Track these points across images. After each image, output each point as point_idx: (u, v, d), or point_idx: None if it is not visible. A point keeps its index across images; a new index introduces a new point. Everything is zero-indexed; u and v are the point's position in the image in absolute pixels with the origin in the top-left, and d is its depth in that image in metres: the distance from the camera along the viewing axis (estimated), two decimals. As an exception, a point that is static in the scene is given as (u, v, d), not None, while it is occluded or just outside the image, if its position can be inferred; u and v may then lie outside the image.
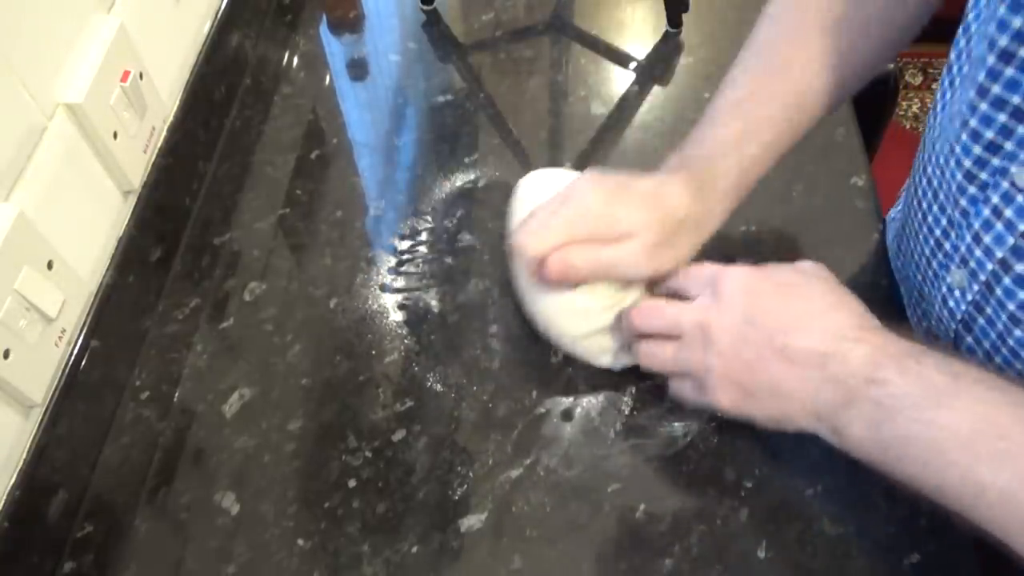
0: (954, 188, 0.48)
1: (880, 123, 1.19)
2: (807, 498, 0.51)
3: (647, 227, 0.50)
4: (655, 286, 0.54)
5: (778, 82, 0.54)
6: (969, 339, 0.51)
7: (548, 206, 0.52)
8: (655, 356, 0.50)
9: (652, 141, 0.71)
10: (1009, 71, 0.41)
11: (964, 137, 0.46)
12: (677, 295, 0.52)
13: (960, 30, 0.48)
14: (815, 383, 0.43)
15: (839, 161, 0.68)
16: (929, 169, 0.53)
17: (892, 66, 1.15)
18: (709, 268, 0.50)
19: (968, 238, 0.47)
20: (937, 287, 0.53)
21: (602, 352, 0.55)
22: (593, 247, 0.51)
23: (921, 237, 0.55)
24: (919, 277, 0.56)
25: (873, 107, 1.15)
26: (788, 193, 0.67)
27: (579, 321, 0.54)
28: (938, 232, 0.52)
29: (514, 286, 0.58)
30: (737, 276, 0.48)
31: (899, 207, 0.62)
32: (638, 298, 0.54)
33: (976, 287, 0.48)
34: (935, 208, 0.52)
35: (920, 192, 0.54)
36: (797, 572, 0.49)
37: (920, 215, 0.54)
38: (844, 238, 0.64)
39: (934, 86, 2.09)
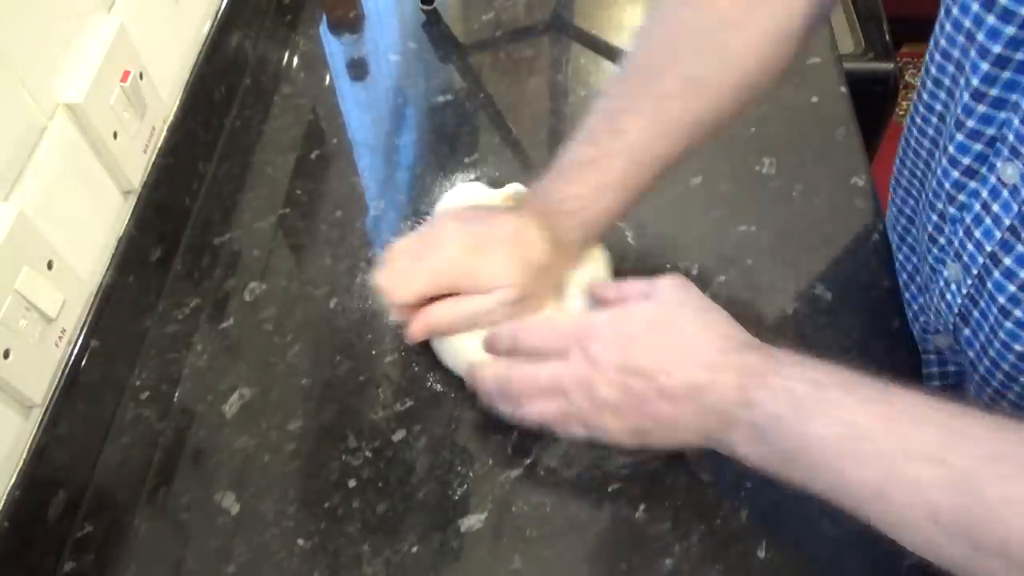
0: (948, 185, 0.49)
1: (880, 123, 1.19)
2: (807, 498, 0.51)
3: (508, 277, 0.52)
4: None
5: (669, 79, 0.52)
6: (967, 331, 0.51)
7: (413, 249, 0.54)
8: (543, 414, 0.50)
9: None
10: (1006, 74, 0.42)
11: (960, 137, 0.46)
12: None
13: (936, 31, 0.49)
14: (698, 414, 0.45)
15: (839, 161, 0.68)
16: (920, 164, 0.53)
17: (892, 66, 1.15)
18: (571, 325, 0.50)
19: (961, 232, 0.48)
20: (935, 281, 0.53)
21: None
22: (454, 302, 0.53)
23: (917, 231, 0.55)
24: (918, 270, 0.57)
25: (873, 107, 1.15)
26: (788, 193, 0.67)
27: (464, 355, 0.55)
28: (931, 228, 0.52)
29: None
30: (602, 330, 0.48)
31: (893, 201, 0.62)
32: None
33: (969, 280, 0.49)
34: (927, 204, 0.52)
35: (915, 189, 0.54)
36: (797, 572, 0.49)
37: (909, 208, 0.55)
38: (844, 238, 0.64)
39: (934, 86, 2.08)
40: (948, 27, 0.46)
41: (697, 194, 0.67)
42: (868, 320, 0.59)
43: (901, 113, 2.07)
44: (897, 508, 0.38)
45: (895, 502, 0.38)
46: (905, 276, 0.61)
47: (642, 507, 0.52)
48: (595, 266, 0.58)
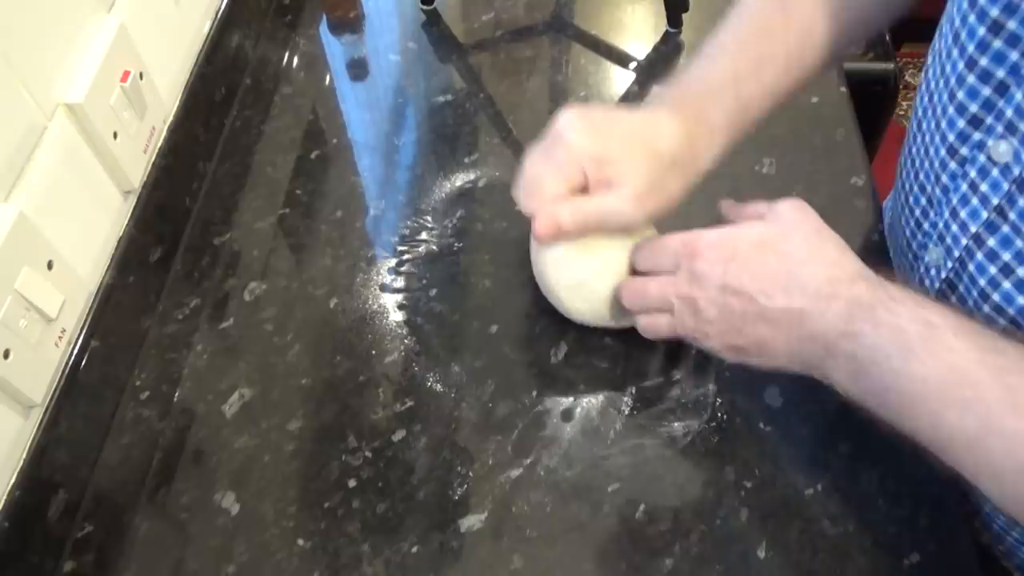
0: (936, 164, 0.49)
1: (880, 123, 1.19)
2: (807, 498, 0.51)
3: (635, 172, 0.49)
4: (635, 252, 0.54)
5: (777, 23, 0.53)
6: None
7: (539, 151, 0.52)
8: (655, 328, 0.52)
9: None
10: (997, 43, 0.42)
11: (951, 110, 0.46)
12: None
13: (944, 18, 0.49)
14: (797, 340, 0.45)
15: (839, 161, 0.68)
16: (914, 149, 0.53)
17: (892, 66, 1.15)
18: (681, 241, 0.50)
19: (946, 214, 0.48)
20: (916, 268, 0.53)
21: (584, 303, 0.56)
22: (581, 200, 0.50)
23: (903, 220, 0.55)
24: (904, 263, 0.57)
25: (873, 107, 1.15)
26: (788, 193, 0.66)
27: (562, 270, 0.55)
28: (918, 212, 0.52)
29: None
30: (711, 246, 0.48)
31: (890, 196, 0.62)
32: (622, 250, 0.54)
33: (950, 264, 0.49)
34: (916, 188, 0.53)
35: (904, 174, 0.55)
36: (797, 572, 0.49)
37: (904, 196, 0.55)
38: (844, 238, 0.63)
39: (934, 86, 2.08)
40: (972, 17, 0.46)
41: (697, 194, 0.67)
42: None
43: (901, 113, 2.07)
44: (990, 459, 0.37)
45: (990, 452, 0.37)
46: (897, 268, 0.61)
47: (642, 507, 0.52)
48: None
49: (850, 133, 0.70)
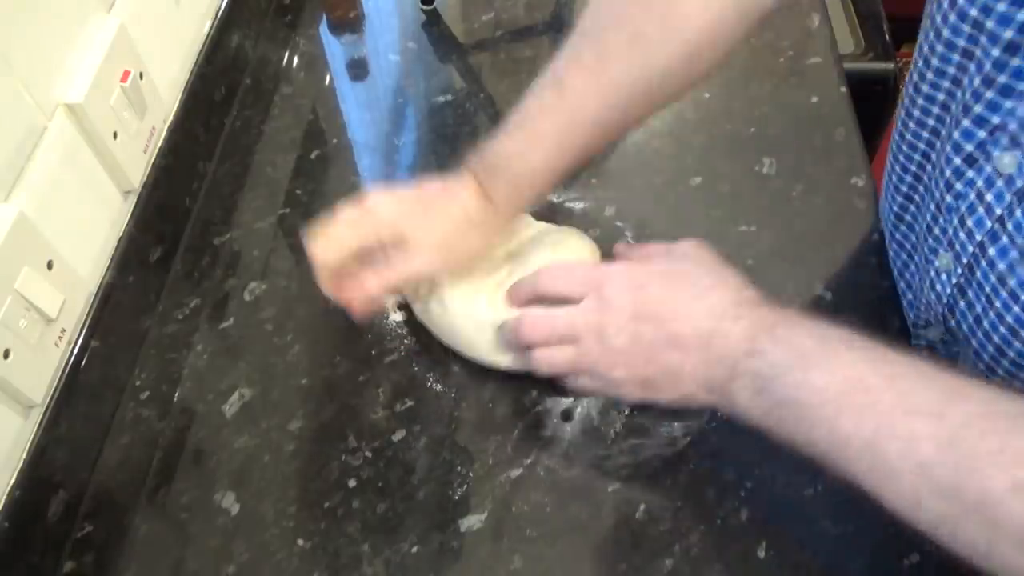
0: (948, 173, 0.49)
1: (880, 123, 1.19)
2: (807, 498, 0.51)
3: (430, 232, 0.52)
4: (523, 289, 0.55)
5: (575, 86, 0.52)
6: (952, 322, 0.52)
7: (345, 215, 0.53)
8: (554, 361, 0.51)
9: (651, 142, 0.71)
10: (1016, 61, 0.42)
11: (966, 123, 0.46)
12: (545, 300, 0.52)
13: (931, 23, 0.49)
14: (704, 364, 0.46)
15: (839, 161, 0.68)
16: (916, 157, 0.54)
17: (892, 66, 1.15)
18: (588, 270, 0.52)
19: (955, 221, 0.49)
20: (926, 271, 0.53)
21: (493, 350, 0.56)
22: (383, 268, 0.53)
23: (915, 223, 0.55)
24: (912, 266, 0.57)
25: (873, 107, 1.15)
26: (788, 193, 0.67)
27: (468, 317, 0.56)
28: (928, 217, 0.53)
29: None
30: (621, 276, 0.50)
31: (884, 196, 0.62)
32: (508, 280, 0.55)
33: (959, 270, 0.49)
34: (921, 191, 0.53)
35: (895, 183, 0.55)
36: (797, 572, 0.49)
37: (913, 203, 0.55)
38: (844, 238, 0.64)
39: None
40: (952, 17, 0.46)
41: (697, 194, 0.67)
42: (868, 320, 0.59)
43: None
44: (886, 460, 0.38)
45: (885, 454, 0.38)
46: (896, 270, 0.61)
47: (642, 507, 0.52)
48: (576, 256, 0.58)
49: (850, 133, 0.70)
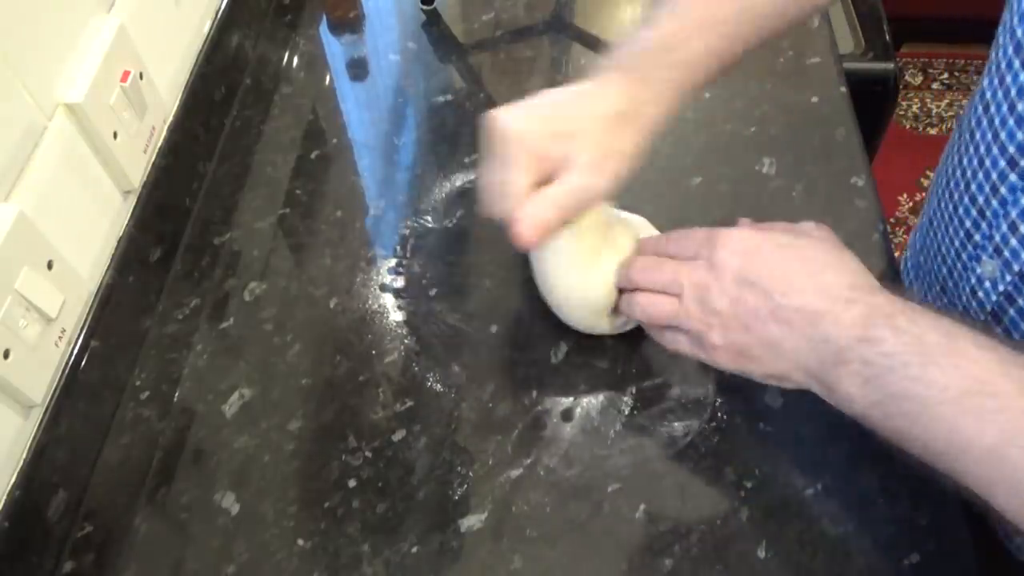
0: (995, 176, 0.48)
1: (880, 123, 1.19)
2: (807, 498, 0.51)
3: (585, 140, 0.49)
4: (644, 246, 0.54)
5: None
6: (998, 330, 0.51)
7: (490, 159, 0.50)
8: (654, 308, 0.50)
9: (651, 141, 0.71)
10: None
11: (1011, 122, 0.45)
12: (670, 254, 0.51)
13: (1000, 28, 0.48)
14: (808, 342, 0.43)
15: (839, 161, 0.68)
16: (964, 160, 0.52)
17: (892, 66, 1.15)
18: (710, 231, 0.50)
19: (1004, 227, 0.47)
20: (966, 279, 0.52)
21: (580, 311, 0.56)
22: (548, 190, 0.48)
23: (951, 229, 0.54)
24: (944, 270, 0.56)
25: (873, 107, 1.15)
26: (788, 193, 0.67)
27: (559, 279, 0.55)
28: (968, 223, 0.51)
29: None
30: (735, 238, 0.48)
31: (923, 215, 0.61)
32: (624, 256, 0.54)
33: (1009, 277, 0.48)
34: (966, 199, 0.51)
35: (952, 184, 0.53)
36: (797, 572, 0.49)
37: (951, 207, 0.53)
38: (844, 238, 0.63)
39: (934, 86, 2.09)
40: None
41: (697, 194, 0.67)
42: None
43: (901, 113, 2.07)
44: (1013, 469, 0.37)
45: (1012, 463, 0.36)
46: (927, 278, 0.60)
47: (642, 507, 0.52)
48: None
49: (850, 133, 0.70)
